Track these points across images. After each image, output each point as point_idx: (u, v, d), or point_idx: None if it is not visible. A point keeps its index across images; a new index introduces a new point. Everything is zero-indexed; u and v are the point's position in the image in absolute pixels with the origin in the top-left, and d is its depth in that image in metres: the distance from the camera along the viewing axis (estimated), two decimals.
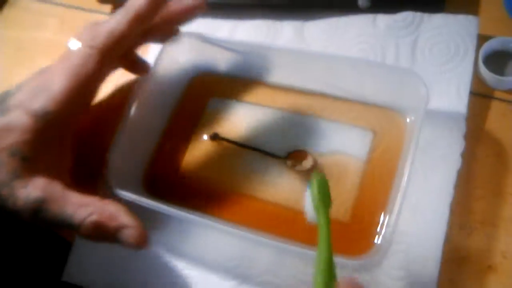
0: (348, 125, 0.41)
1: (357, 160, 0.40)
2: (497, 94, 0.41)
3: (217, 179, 0.41)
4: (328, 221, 0.31)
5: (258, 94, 0.44)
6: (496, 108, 0.41)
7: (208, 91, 0.45)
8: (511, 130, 0.40)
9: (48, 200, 0.34)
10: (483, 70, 0.40)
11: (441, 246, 0.37)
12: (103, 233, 0.35)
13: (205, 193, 0.41)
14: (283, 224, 0.39)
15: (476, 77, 0.41)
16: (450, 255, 0.37)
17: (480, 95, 0.41)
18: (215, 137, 0.43)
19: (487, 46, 0.41)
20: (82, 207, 0.35)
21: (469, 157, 0.39)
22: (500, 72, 0.40)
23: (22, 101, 0.35)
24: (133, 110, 0.39)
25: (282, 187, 0.40)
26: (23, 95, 0.35)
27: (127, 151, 0.39)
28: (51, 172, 0.36)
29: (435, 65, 0.42)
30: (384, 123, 0.40)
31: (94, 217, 0.34)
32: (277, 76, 0.44)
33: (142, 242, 0.34)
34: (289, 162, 0.40)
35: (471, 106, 0.40)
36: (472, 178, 0.39)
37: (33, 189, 0.34)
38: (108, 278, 0.40)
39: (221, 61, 0.45)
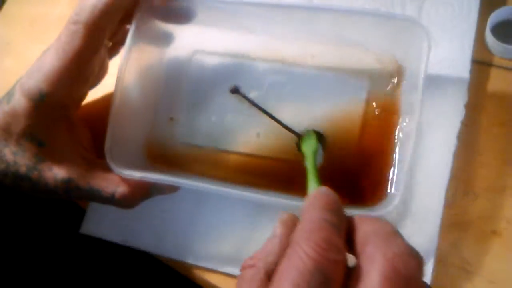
0: (347, 75, 0.41)
1: (355, 111, 0.40)
2: (502, 62, 0.41)
3: (213, 141, 0.42)
4: (315, 164, 0.34)
5: (255, 48, 0.43)
6: (501, 77, 0.41)
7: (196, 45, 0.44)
8: None
9: (74, 179, 0.36)
10: (490, 38, 0.40)
11: (443, 197, 0.38)
12: (134, 198, 0.37)
13: (203, 157, 0.42)
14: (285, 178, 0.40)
15: (482, 45, 0.42)
16: (454, 220, 0.38)
17: (486, 64, 0.41)
18: (235, 91, 0.41)
19: (495, 15, 0.41)
20: (105, 181, 0.37)
21: (472, 125, 0.40)
22: (506, 41, 0.41)
23: (21, 84, 0.36)
24: (121, 82, 0.38)
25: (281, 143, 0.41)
26: (23, 78, 0.36)
27: (124, 126, 0.39)
28: (70, 152, 0.37)
29: (440, 23, 0.42)
30: (385, 73, 0.41)
31: (121, 190, 0.36)
32: (279, 31, 0.43)
33: (174, 189, 0.39)
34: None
35: (475, 74, 0.40)
36: (476, 145, 0.40)
37: (58, 171, 0.36)
38: (123, 231, 0.42)
39: (218, 21, 0.43)
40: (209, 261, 0.40)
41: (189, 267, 0.41)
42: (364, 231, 0.23)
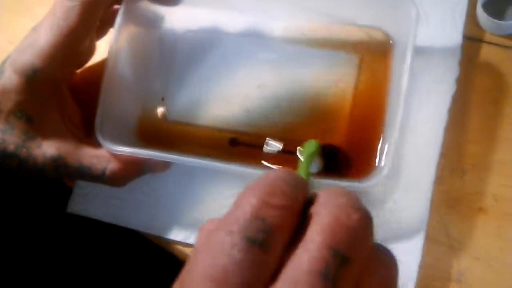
0: (335, 51, 0.41)
1: (345, 86, 0.40)
2: (494, 39, 0.41)
3: (203, 120, 0.42)
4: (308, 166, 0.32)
5: (246, 27, 0.43)
6: (492, 53, 0.41)
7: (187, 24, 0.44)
8: (505, 75, 0.40)
9: (64, 157, 0.36)
10: (481, 14, 0.40)
11: (434, 170, 0.38)
12: (125, 176, 0.37)
13: (193, 135, 0.42)
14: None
15: (472, 21, 0.41)
16: (441, 196, 0.38)
17: (476, 40, 0.41)
18: (234, 143, 0.41)
19: None
20: (96, 158, 0.36)
21: (462, 101, 0.40)
22: (498, 17, 0.40)
23: (12, 61, 0.35)
24: (112, 60, 0.38)
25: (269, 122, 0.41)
26: (14, 54, 0.36)
27: (114, 103, 0.38)
28: (60, 129, 0.37)
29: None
30: (374, 48, 0.40)
31: (111, 166, 0.36)
32: (269, 10, 0.43)
33: (166, 166, 0.39)
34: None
35: (466, 51, 0.40)
36: (465, 122, 0.39)
37: (47, 148, 0.36)
38: (111, 210, 0.42)
39: (209, 2, 0.43)
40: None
41: (179, 245, 0.41)
42: (318, 197, 0.21)
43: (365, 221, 0.19)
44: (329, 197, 0.21)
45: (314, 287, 0.18)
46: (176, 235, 0.40)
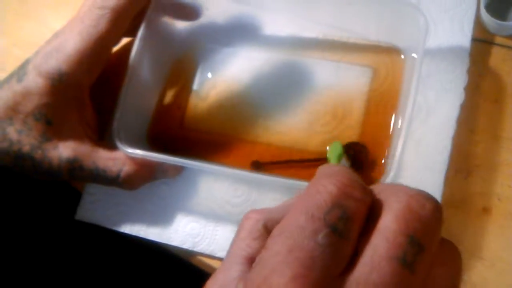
0: (349, 64, 0.42)
1: (359, 97, 0.41)
2: (498, 40, 0.41)
3: (220, 128, 0.42)
4: None
5: (255, 44, 0.44)
6: (496, 54, 0.41)
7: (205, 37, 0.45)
8: (510, 76, 0.40)
9: (80, 159, 0.37)
10: (485, 16, 0.40)
11: (442, 180, 0.38)
12: (139, 179, 0.38)
13: (208, 143, 0.42)
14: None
15: (478, 23, 0.41)
16: (445, 196, 0.38)
17: (481, 41, 0.41)
18: (257, 166, 0.41)
19: None
20: (111, 160, 0.37)
21: (467, 102, 0.40)
22: (502, 17, 0.40)
23: (37, 65, 0.36)
24: (133, 69, 0.39)
25: (286, 130, 0.41)
26: (38, 59, 0.37)
27: (131, 109, 0.39)
28: (78, 132, 0.38)
29: (440, 4, 0.42)
30: (386, 60, 0.41)
31: (126, 168, 0.37)
32: (274, 26, 0.44)
33: (178, 171, 0.40)
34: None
35: (472, 52, 0.40)
36: (470, 123, 0.40)
37: (64, 150, 0.36)
38: (119, 218, 0.42)
39: (218, 14, 0.44)
40: (208, 247, 0.40)
41: (187, 253, 0.41)
42: (378, 188, 0.22)
43: (438, 211, 0.20)
44: (395, 188, 0.21)
45: (393, 272, 0.18)
46: (184, 242, 0.40)
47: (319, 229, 0.19)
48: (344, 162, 0.38)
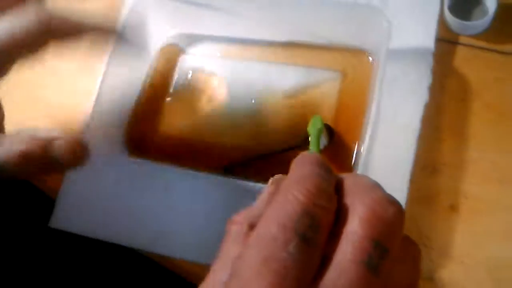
0: (318, 67, 0.42)
1: (328, 100, 0.41)
2: (462, 39, 0.42)
3: (192, 133, 0.43)
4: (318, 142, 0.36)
5: (227, 49, 0.45)
6: (461, 54, 0.41)
7: (180, 50, 0.46)
8: (475, 75, 0.41)
9: None
10: (448, 16, 0.41)
11: (408, 179, 0.38)
12: (33, 159, 0.31)
13: (181, 147, 0.43)
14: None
15: (442, 23, 0.42)
16: (412, 194, 0.39)
17: (445, 41, 0.42)
18: (229, 169, 0.42)
19: None
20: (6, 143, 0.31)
21: (433, 101, 0.40)
22: (465, 17, 0.41)
23: None
24: (105, 80, 0.40)
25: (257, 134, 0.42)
26: None
27: (105, 119, 0.40)
28: None
29: (403, 6, 0.42)
30: (354, 63, 0.42)
31: (19, 147, 0.30)
32: (244, 30, 0.45)
33: (76, 152, 0.31)
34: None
35: (436, 52, 0.41)
36: (435, 121, 0.40)
37: None
38: (93, 224, 0.42)
39: (190, 20, 0.45)
40: (185, 253, 0.40)
41: (166, 258, 0.41)
42: (346, 185, 0.23)
43: (400, 215, 0.21)
44: (360, 188, 0.22)
45: (360, 275, 0.19)
46: (162, 248, 0.40)
47: (290, 239, 0.20)
48: (323, 138, 0.39)
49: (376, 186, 0.23)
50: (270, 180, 0.26)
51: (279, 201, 0.21)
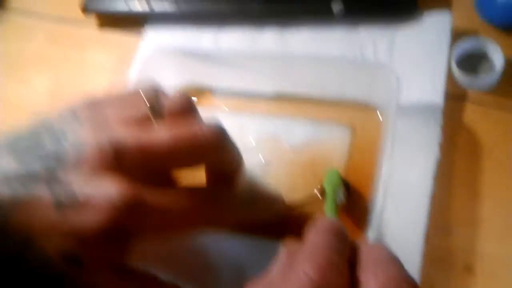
0: (327, 122, 0.42)
1: (338, 157, 0.41)
2: (471, 96, 0.42)
3: None
4: (334, 199, 0.35)
5: (238, 103, 0.45)
6: (470, 110, 0.41)
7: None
8: (484, 132, 0.40)
9: None
10: (456, 71, 0.41)
11: (422, 239, 0.37)
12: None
13: None
14: None
15: (450, 79, 0.42)
16: (427, 255, 0.38)
17: (455, 98, 0.42)
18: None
19: (459, 48, 0.41)
20: None
21: (444, 160, 0.40)
22: (474, 72, 0.41)
23: None
24: None
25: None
26: None
27: None
28: None
29: (411, 62, 0.43)
30: (363, 118, 0.42)
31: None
32: (255, 84, 0.45)
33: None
34: None
35: (445, 109, 0.41)
36: (448, 179, 0.40)
37: None
38: None
39: (202, 74, 0.46)
40: None
41: None
42: (362, 256, 0.23)
43: None
44: (377, 262, 0.22)
45: None
46: None
47: None
48: (341, 193, 0.38)
49: (393, 260, 0.22)
50: (282, 248, 0.26)
51: (292, 279, 0.21)
